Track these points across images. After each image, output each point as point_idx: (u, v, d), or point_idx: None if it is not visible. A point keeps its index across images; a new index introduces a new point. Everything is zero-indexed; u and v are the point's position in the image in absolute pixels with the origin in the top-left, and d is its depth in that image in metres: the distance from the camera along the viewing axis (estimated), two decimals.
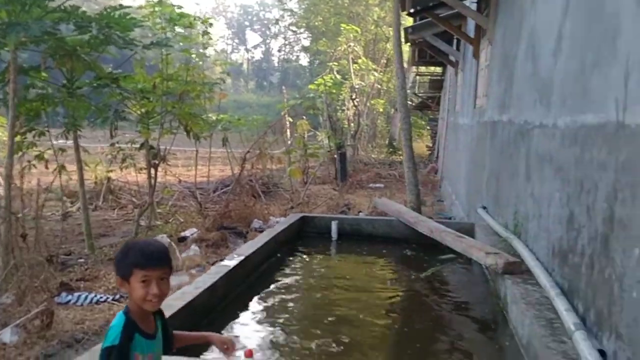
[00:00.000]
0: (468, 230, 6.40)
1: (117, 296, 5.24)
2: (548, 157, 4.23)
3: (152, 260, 1.89)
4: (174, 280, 5.95)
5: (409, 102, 23.69)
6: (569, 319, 3.05)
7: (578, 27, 3.71)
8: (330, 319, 4.28)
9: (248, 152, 10.37)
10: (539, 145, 4.55)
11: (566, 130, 3.79)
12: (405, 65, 23.00)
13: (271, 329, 4.01)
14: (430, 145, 26.43)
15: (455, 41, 12.97)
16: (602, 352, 2.73)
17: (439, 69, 21.51)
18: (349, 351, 3.67)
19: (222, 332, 3.86)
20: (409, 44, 14.14)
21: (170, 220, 9.23)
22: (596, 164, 3.14)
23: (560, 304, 3.27)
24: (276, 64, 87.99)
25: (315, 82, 16.25)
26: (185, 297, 3.78)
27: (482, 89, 8.68)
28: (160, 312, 2.02)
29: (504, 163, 6.06)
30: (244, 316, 4.27)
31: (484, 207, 7.04)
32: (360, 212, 10.43)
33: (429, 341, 3.95)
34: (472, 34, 9.58)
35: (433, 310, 4.58)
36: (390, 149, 27.14)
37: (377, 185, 15.64)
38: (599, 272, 2.97)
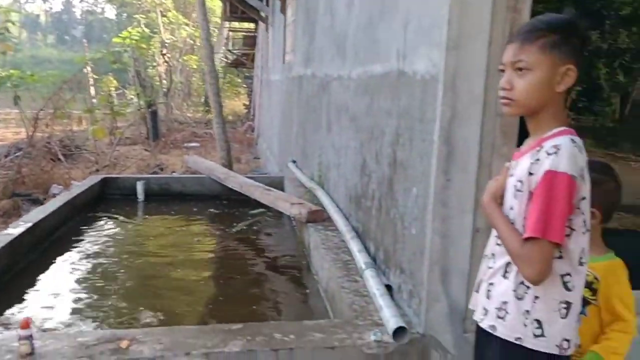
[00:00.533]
0: (278, 184, 6.49)
1: None
2: (345, 107, 4.38)
3: None
4: None
5: (224, 59, 23.28)
6: (361, 259, 3.23)
7: None
8: (135, 282, 4.05)
9: (41, 110, 9.32)
10: (337, 97, 4.70)
11: (359, 81, 3.94)
12: (218, 20, 22.46)
13: (67, 300, 3.67)
14: (247, 103, 26.38)
15: None
16: (388, 287, 2.93)
17: (252, 25, 21.32)
18: (163, 315, 3.49)
19: (9, 307, 3.45)
20: None
21: None
22: (383, 111, 3.30)
23: (354, 246, 3.45)
24: (79, 17, 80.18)
25: (121, 35, 15.10)
26: None
27: (289, 45, 8.77)
28: None
29: (310, 116, 6.21)
30: (35, 289, 3.85)
31: (294, 161, 7.20)
32: (173, 172, 10.07)
33: (241, 293, 3.93)
34: None
35: (244, 263, 4.59)
36: (207, 108, 26.49)
37: (193, 144, 15.24)
38: (385, 213, 3.16)
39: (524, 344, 1.48)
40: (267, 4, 12.60)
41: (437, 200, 2.43)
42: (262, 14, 13.56)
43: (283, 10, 9.27)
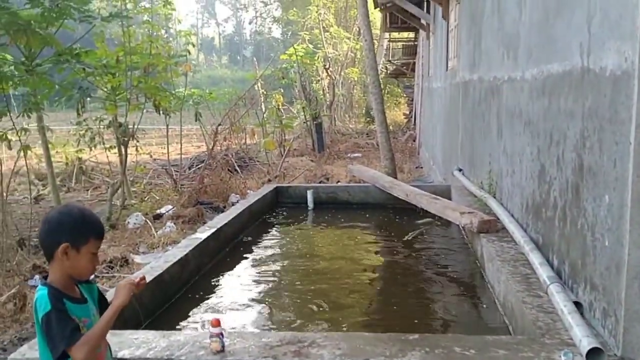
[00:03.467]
0: (444, 192, 6.36)
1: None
2: (518, 111, 4.16)
3: (103, 231, 1.90)
4: (150, 257, 5.86)
5: (384, 70, 23.52)
6: (544, 273, 3.01)
7: None
8: (311, 287, 4.21)
9: (219, 124, 10.17)
10: (509, 101, 4.48)
11: (533, 82, 3.71)
12: (377, 31, 22.77)
13: (248, 300, 3.93)
14: (407, 112, 26.32)
15: (425, 4, 12.77)
16: (577, 304, 2.70)
17: (411, 34, 21.29)
18: (331, 317, 3.60)
19: (198, 305, 3.79)
20: (378, 9, 13.89)
21: (146, 199, 9.06)
22: (564, 113, 3.07)
23: (535, 259, 3.24)
24: (248, 37, 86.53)
25: (287, 52, 15.98)
26: (154, 272, 3.68)
27: (452, 50, 8.58)
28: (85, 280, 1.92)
29: (477, 122, 6.00)
30: (220, 288, 4.18)
31: (460, 169, 7.01)
32: (338, 182, 10.35)
33: (411, 303, 3.90)
34: None
35: (413, 273, 4.54)
36: (368, 119, 26.94)
37: (355, 154, 15.56)
38: (571, 223, 2.92)
39: None
40: (428, 12, 12.48)
41: (635, 208, 2.19)
42: (423, 22, 13.47)
43: (445, 16, 9.10)
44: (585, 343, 2.22)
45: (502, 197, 4.76)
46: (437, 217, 5.43)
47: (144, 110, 8.12)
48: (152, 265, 3.93)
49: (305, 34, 20.00)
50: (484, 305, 3.74)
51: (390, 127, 22.13)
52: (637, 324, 2.21)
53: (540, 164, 3.53)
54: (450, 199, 6.03)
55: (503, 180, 4.72)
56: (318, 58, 18.47)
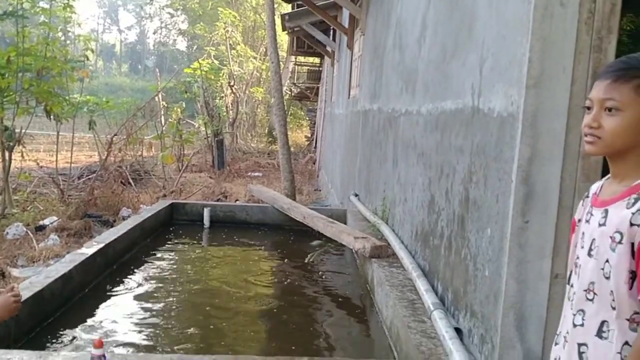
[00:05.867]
0: (340, 216, 6.48)
1: None
2: (413, 143, 4.35)
3: None
4: (29, 271, 5.46)
5: (288, 92, 23.75)
6: (429, 299, 3.14)
7: (440, 15, 3.82)
8: (202, 308, 4.10)
9: (115, 135, 9.75)
10: (405, 132, 4.68)
11: (428, 117, 3.90)
12: (284, 54, 23.01)
13: (135, 321, 3.75)
14: (309, 135, 26.71)
15: (331, 31, 13.12)
16: (458, 330, 2.83)
17: (317, 60, 21.73)
18: (221, 340, 3.52)
19: (80, 325, 3.56)
20: (286, 32, 14.07)
21: (28, 208, 8.45)
22: (454, 148, 3.25)
23: (421, 285, 3.37)
24: (152, 47, 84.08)
25: (192, 66, 15.72)
26: (33, 288, 3.42)
27: (355, 79, 8.84)
28: None
29: (374, 151, 6.20)
30: (105, 308, 3.96)
31: (356, 195, 7.19)
32: (237, 200, 10.24)
33: (301, 326, 3.90)
34: (346, 24, 9.71)
35: (305, 295, 4.56)
36: (270, 139, 27.02)
37: (256, 174, 15.52)
38: (455, 252, 3.08)
39: None
40: (334, 40, 12.83)
41: (513, 242, 2.34)
42: (328, 49, 13.81)
43: (350, 45, 9.39)
44: None
45: (394, 223, 4.93)
46: (332, 240, 5.51)
47: (34, 115, 7.63)
48: (31, 280, 3.66)
49: (211, 49, 19.84)
50: (372, 329, 3.83)
51: (292, 149, 22.37)
52: (510, 350, 2.35)
53: (431, 195, 3.70)
54: (345, 223, 6.15)
55: (396, 207, 4.89)
56: (223, 74, 18.34)
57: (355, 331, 3.93)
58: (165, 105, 15.12)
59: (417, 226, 4.07)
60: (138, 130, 11.09)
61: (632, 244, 1.34)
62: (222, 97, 19.09)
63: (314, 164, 18.30)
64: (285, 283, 4.92)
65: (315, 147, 20.07)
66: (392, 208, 5.08)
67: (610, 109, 1.42)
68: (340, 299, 4.51)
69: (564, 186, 2.33)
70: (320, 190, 13.09)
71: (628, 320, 1.36)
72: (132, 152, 12.55)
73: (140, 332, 3.59)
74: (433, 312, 2.94)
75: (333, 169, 11.35)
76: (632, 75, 1.40)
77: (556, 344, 1.59)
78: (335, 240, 5.37)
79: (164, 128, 14.01)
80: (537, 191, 2.33)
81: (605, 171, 1.64)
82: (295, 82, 24.20)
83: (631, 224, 1.34)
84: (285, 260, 5.56)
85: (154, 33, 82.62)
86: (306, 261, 5.47)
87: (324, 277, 5.14)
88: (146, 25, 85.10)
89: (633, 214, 1.34)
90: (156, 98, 14.48)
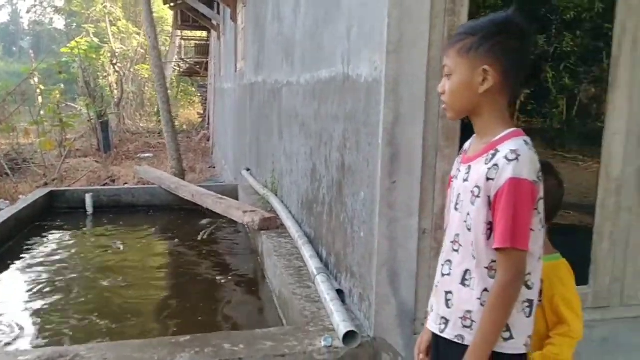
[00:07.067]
0: (231, 192, 6.43)
1: None
2: (295, 114, 4.38)
3: None
4: None
5: (177, 68, 23.00)
6: (313, 265, 3.21)
7: None
8: (87, 298, 3.93)
9: None
10: (288, 104, 4.69)
11: (307, 87, 3.94)
12: (170, 28, 22.17)
13: (10, 317, 3.52)
14: (202, 112, 26.09)
15: (216, 4, 12.79)
16: (340, 291, 2.92)
17: (204, 34, 21.14)
18: (113, 330, 3.39)
19: None
20: (168, 5, 13.53)
21: None
22: (330, 116, 3.31)
23: (306, 252, 3.44)
24: (27, 27, 77.63)
25: (69, 45, 14.75)
26: None
27: (241, 52, 8.72)
28: None
29: (262, 123, 6.18)
30: None
31: (248, 169, 7.15)
32: (126, 183, 9.86)
33: (194, 305, 3.86)
34: None
35: (199, 274, 4.50)
36: (159, 117, 26.10)
37: (146, 154, 14.96)
38: (336, 217, 3.16)
39: (495, 349, 1.45)
40: (218, 12, 12.53)
41: (383, 203, 2.44)
42: (214, 22, 13.47)
43: (234, 18, 9.21)
44: (342, 327, 2.41)
45: (283, 194, 4.97)
46: (224, 217, 5.46)
47: None
48: None
49: (89, 26, 18.65)
50: (264, 300, 3.87)
51: (185, 127, 21.80)
52: (385, 306, 2.47)
53: (313, 163, 3.75)
54: (237, 198, 6.12)
55: (284, 178, 4.93)
56: (104, 53, 17.37)
57: (248, 303, 3.95)
58: (42, 88, 14.10)
59: (302, 195, 4.13)
60: (10, 116, 10.25)
61: (489, 197, 1.43)
62: (105, 76, 18.12)
63: (208, 140, 17.96)
64: (175, 263, 4.84)
65: (209, 124, 19.68)
66: (280, 180, 5.12)
67: (448, 75, 1.51)
68: (233, 274, 4.50)
69: (426, 146, 2.45)
70: (214, 168, 12.88)
71: (487, 268, 1.46)
72: (8, 141, 11.65)
73: (17, 327, 3.38)
74: (316, 277, 3.02)
75: (226, 145, 11.20)
76: (456, 40, 1.50)
77: (433, 296, 1.68)
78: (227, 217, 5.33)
79: (41, 112, 13.08)
80: (402, 153, 2.43)
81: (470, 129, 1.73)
82: (183, 57, 23.47)
83: (487, 179, 1.43)
84: (176, 240, 5.45)
85: (27, 12, 76.13)
86: (199, 239, 5.39)
87: (216, 253, 5.11)
88: (18, 4, 78.30)
89: (489, 169, 1.43)
90: (31, 81, 13.45)
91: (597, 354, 2.68)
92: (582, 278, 2.72)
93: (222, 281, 4.35)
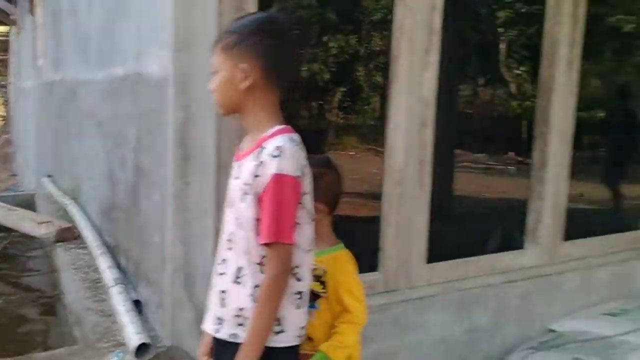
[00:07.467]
0: (28, 201, 5.85)
1: None
2: (92, 114, 4.09)
3: None
4: None
5: None
6: (109, 276, 3.00)
7: None
8: None
9: None
10: (86, 103, 4.38)
11: (103, 85, 3.70)
12: None
13: None
14: (4, 114, 23.48)
15: None
16: (137, 302, 2.76)
17: (5, 29, 19.02)
18: None
19: None
20: None
21: None
22: (125, 115, 3.13)
23: (103, 263, 3.21)
24: None
25: None
26: None
27: (40, 48, 7.96)
28: None
29: (62, 126, 5.69)
30: None
31: (49, 176, 6.53)
32: None
33: None
34: None
35: None
36: None
37: None
38: (133, 223, 3.00)
39: (267, 344, 1.44)
40: (16, 5, 11.34)
41: (176, 205, 2.35)
42: (12, 17, 12.16)
43: (32, 11, 8.39)
44: (134, 341, 2.27)
45: (83, 202, 4.61)
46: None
47: None
48: None
49: None
50: (61, 318, 3.53)
51: None
52: (181, 311, 2.37)
53: (110, 166, 3.53)
54: (35, 208, 5.55)
55: (84, 184, 4.57)
56: None
57: (43, 323, 3.58)
58: None
59: (102, 201, 3.86)
60: None
61: (257, 194, 1.43)
62: None
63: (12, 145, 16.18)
64: None
65: (11, 127, 17.74)
66: (81, 185, 4.74)
67: (215, 72, 1.52)
68: (27, 293, 4.06)
69: (220, 146, 2.41)
70: (17, 176, 11.62)
71: (258, 264, 1.45)
72: None
73: None
74: (111, 289, 2.83)
75: (28, 150, 10.16)
76: (222, 37, 1.51)
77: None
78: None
79: None
80: (194, 153, 2.36)
81: None
82: None
83: (255, 176, 1.42)
84: None
85: None
86: None
87: (8, 272, 4.56)
88: None
89: (256, 166, 1.42)
90: None
91: (390, 335, 2.84)
92: (375, 265, 2.89)
93: (17, 300, 3.89)
